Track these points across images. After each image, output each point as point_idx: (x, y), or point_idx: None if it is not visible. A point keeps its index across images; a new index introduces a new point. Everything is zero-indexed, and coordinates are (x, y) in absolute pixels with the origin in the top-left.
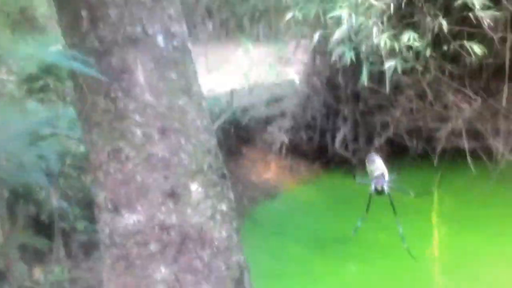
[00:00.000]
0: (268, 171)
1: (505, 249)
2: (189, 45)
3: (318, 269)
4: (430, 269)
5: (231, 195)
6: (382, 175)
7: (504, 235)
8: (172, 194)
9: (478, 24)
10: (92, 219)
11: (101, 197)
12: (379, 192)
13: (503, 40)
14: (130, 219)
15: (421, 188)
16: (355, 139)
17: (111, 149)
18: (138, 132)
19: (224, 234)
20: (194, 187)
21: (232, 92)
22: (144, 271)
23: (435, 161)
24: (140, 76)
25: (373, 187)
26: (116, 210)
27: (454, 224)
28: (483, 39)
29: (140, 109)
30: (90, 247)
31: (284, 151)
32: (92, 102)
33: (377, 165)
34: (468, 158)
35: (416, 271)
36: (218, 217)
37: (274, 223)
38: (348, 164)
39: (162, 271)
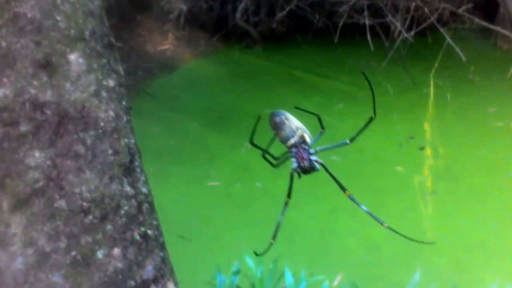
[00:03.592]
0: (165, 42)
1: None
2: None
3: (213, 144)
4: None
5: (120, 69)
6: (303, 142)
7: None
8: (46, 65)
9: None
10: None
11: None
12: (307, 170)
13: None
14: None
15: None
16: (257, 11)
17: None
18: None
19: (111, 113)
20: (74, 57)
21: None
22: (14, 155)
23: (336, 38)
24: None
25: (295, 165)
26: None
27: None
28: None
29: None
30: None
31: (182, 20)
32: None
33: (292, 126)
34: (368, 35)
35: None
36: (103, 94)
37: (170, 97)
38: (249, 38)
39: (36, 156)
